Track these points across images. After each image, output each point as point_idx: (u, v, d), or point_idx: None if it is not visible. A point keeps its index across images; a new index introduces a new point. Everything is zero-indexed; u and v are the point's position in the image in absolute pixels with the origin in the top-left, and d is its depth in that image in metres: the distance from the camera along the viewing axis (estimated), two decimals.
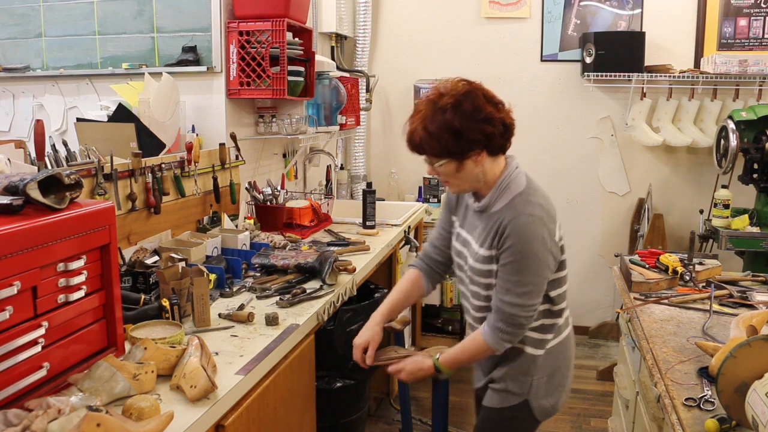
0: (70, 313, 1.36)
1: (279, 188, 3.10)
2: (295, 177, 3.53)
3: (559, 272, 1.68)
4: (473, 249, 1.70)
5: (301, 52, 2.87)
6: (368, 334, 1.85)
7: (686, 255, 2.38)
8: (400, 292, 1.91)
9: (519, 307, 1.60)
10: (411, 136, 1.62)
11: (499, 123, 1.63)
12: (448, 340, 3.95)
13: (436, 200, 4.13)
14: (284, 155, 3.37)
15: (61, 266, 1.32)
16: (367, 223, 3.03)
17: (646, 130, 3.95)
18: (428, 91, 1.65)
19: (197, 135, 2.67)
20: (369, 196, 3.04)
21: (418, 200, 4.18)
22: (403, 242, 3.18)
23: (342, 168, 4.19)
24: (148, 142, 2.39)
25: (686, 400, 1.43)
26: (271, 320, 1.82)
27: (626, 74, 3.86)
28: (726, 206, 3.27)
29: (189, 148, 2.46)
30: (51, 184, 1.34)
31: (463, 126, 1.56)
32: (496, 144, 1.64)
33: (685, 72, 3.86)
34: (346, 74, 3.81)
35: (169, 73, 2.54)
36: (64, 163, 2.00)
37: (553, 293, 1.69)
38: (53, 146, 2.00)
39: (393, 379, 3.28)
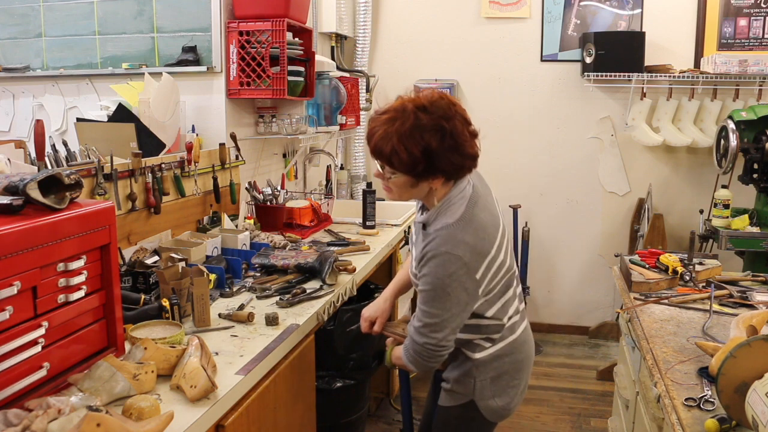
0: (70, 313, 1.36)
1: (279, 188, 3.10)
2: (295, 177, 3.53)
3: (488, 296, 1.64)
4: (412, 267, 1.71)
5: (301, 52, 2.87)
6: (376, 308, 1.94)
7: (686, 255, 2.38)
8: (405, 269, 1.96)
9: (425, 337, 1.61)
10: (379, 144, 1.54)
11: (468, 156, 1.59)
12: None
13: None
14: (284, 155, 3.37)
15: (61, 266, 1.32)
16: (367, 223, 3.03)
17: (646, 130, 3.95)
18: (405, 97, 1.60)
19: (197, 135, 2.67)
20: (369, 196, 3.04)
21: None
22: (403, 242, 3.19)
23: (342, 168, 4.19)
24: (148, 142, 2.39)
25: (686, 400, 1.43)
26: (271, 320, 1.82)
27: (626, 74, 3.86)
28: (726, 206, 3.27)
29: (189, 148, 2.47)
30: (51, 184, 1.34)
31: (438, 153, 1.52)
32: (458, 175, 1.61)
33: (685, 72, 3.86)
34: (346, 74, 3.81)
35: (169, 73, 2.54)
36: (64, 163, 2.00)
37: (488, 313, 1.67)
38: (53, 146, 2.00)
39: (393, 379, 3.29)
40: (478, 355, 1.71)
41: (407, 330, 1.73)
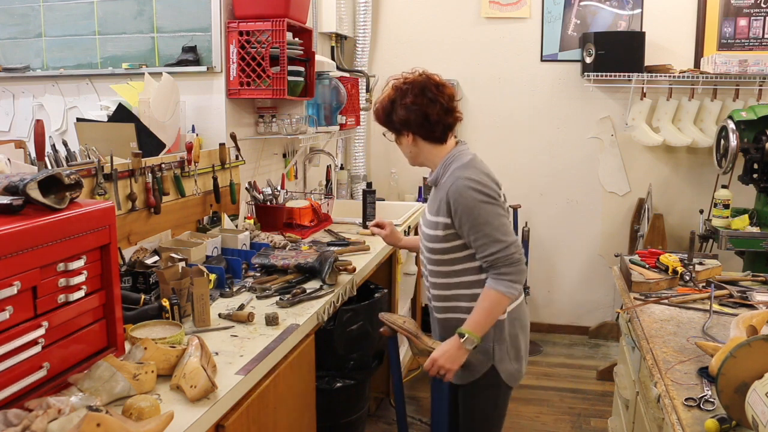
0: (70, 313, 1.36)
1: (279, 188, 3.10)
2: (295, 177, 3.53)
3: None
4: (425, 218, 1.95)
5: (301, 52, 2.87)
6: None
7: (686, 255, 2.38)
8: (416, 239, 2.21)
9: (503, 248, 1.79)
10: (378, 110, 1.95)
11: (419, 116, 1.87)
12: None
13: None
14: (284, 155, 3.37)
15: (61, 266, 1.32)
16: (367, 223, 3.03)
17: (646, 130, 3.95)
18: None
19: (197, 135, 2.67)
20: (369, 196, 3.04)
21: (418, 200, 4.18)
22: None
23: (342, 168, 4.19)
24: (148, 142, 2.39)
25: (686, 400, 1.43)
26: (271, 320, 1.82)
27: (626, 74, 3.86)
28: (726, 206, 3.27)
29: (189, 148, 2.46)
30: (51, 184, 1.34)
31: (392, 107, 1.89)
32: (427, 131, 1.89)
33: (685, 72, 3.86)
34: (346, 74, 3.80)
35: (169, 73, 2.54)
36: (64, 163, 2.00)
37: None
38: (53, 146, 2.00)
39: (392, 379, 3.28)
40: (500, 317, 1.86)
41: (413, 322, 1.90)
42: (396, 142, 1.96)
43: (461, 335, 1.80)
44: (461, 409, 1.99)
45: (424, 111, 1.85)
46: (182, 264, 1.99)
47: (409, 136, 1.90)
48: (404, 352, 3.26)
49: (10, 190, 1.29)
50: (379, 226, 2.26)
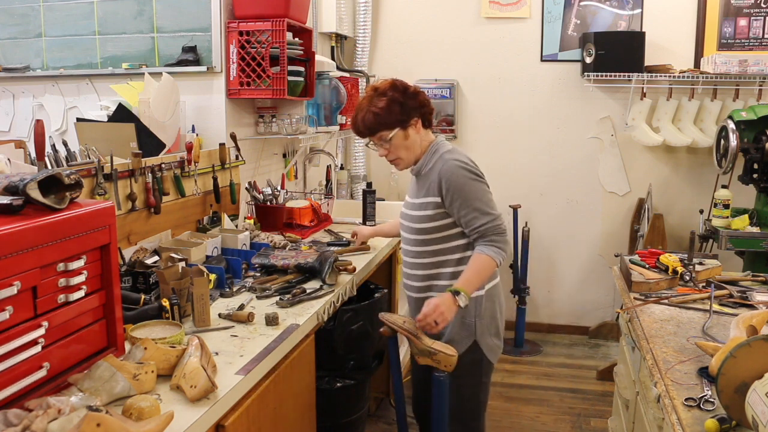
0: (70, 313, 1.36)
1: (279, 188, 3.10)
2: (295, 177, 3.53)
3: None
4: (409, 202, 2.11)
5: (301, 52, 2.87)
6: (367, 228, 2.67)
7: (686, 255, 2.38)
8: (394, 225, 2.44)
9: (491, 219, 1.97)
10: (361, 121, 2.03)
11: (424, 100, 2.06)
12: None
13: None
14: (284, 155, 3.37)
15: (61, 266, 1.32)
16: (367, 223, 3.03)
17: (646, 130, 3.95)
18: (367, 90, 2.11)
19: (197, 135, 2.67)
20: (369, 196, 3.04)
21: None
22: None
23: (342, 168, 4.19)
24: (148, 142, 2.39)
25: (686, 400, 1.43)
26: (271, 320, 1.82)
27: (626, 74, 3.86)
28: (726, 206, 3.27)
29: (189, 148, 2.47)
30: (51, 184, 1.34)
31: (403, 98, 2.00)
32: (426, 115, 2.06)
33: (685, 72, 3.86)
34: (346, 74, 3.81)
35: (169, 73, 2.54)
36: (64, 163, 2.00)
37: None
38: (53, 146, 2.00)
39: (392, 379, 3.28)
40: (479, 292, 2.03)
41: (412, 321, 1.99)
42: (392, 140, 2.03)
43: (455, 292, 1.92)
44: (451, 386, 2.05)
45: (424, 98, 2.07)
46: (182, 264, 1.99)
47: (418, 122, 2.04)
48: (404, 352, 3.26)
49: (10, 190, 1.29)
50: (354, 235, 2.66)
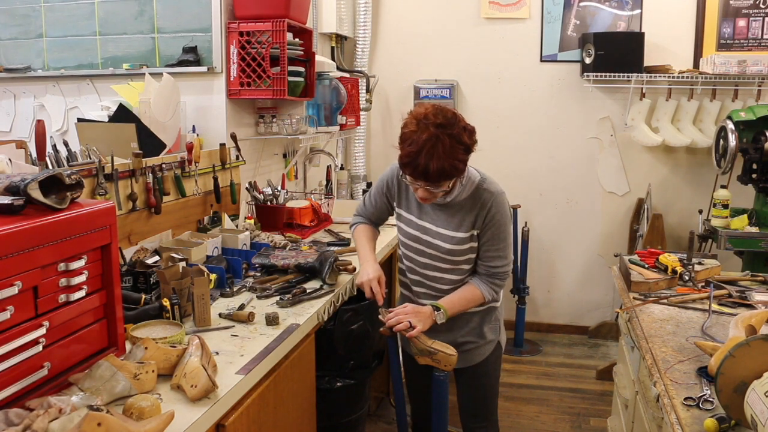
0: (71, 312, 1.36)
1: (279, 188, 3.10)
2: (296, 177, 3.53)
3: None
4: (446, 235, 1.99)
5: (302, 52, 2.87)
6: (374, 269, 2.06)
7: (685, 255, 2.39)
8: (370, 239, 2.21)
9: (505, 265, 2.01)
10: (436, 171, 1.77)
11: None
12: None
13: None
14: (284, 155, 3.37)
15: (61, 266, 1.32)
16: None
17: (645, 131, 3.95)
18: (423, 122, 1.82)
19: (198, 135, 2.68)
20: None
21: None
22: None
23: (342, 168, 4.19)
24: (149, 143, 2.40)
25: (685, 399, 1.43)
26: (272, 320, 1.83)
27: (625, 74, 3.86)
28: (725, 206, 3.27)
29: (189, 149, 2.47)
30: (52, 184, 1.34)
31: (470, 142, 1.86)
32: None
33: (684, 72, 3.86)
34: (346, 74, 3.81)
35: (169, 73, 2.55)
36: (65, 163, 2.00)
37: None
38: (54, 146, 2.00)
39: (392, 379, 3.28)
40: (498, 300, 2.12)
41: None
42: (453, 184, 1.89)
43: (436, 308, 1.95)
44: (467, 390, 2.18)
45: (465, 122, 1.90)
46: (183, 264, 1.99)
47: (468, 158, 1.88)
48: None
49: (11, 190, 1.29)
50: (376, 283, 2.04)
